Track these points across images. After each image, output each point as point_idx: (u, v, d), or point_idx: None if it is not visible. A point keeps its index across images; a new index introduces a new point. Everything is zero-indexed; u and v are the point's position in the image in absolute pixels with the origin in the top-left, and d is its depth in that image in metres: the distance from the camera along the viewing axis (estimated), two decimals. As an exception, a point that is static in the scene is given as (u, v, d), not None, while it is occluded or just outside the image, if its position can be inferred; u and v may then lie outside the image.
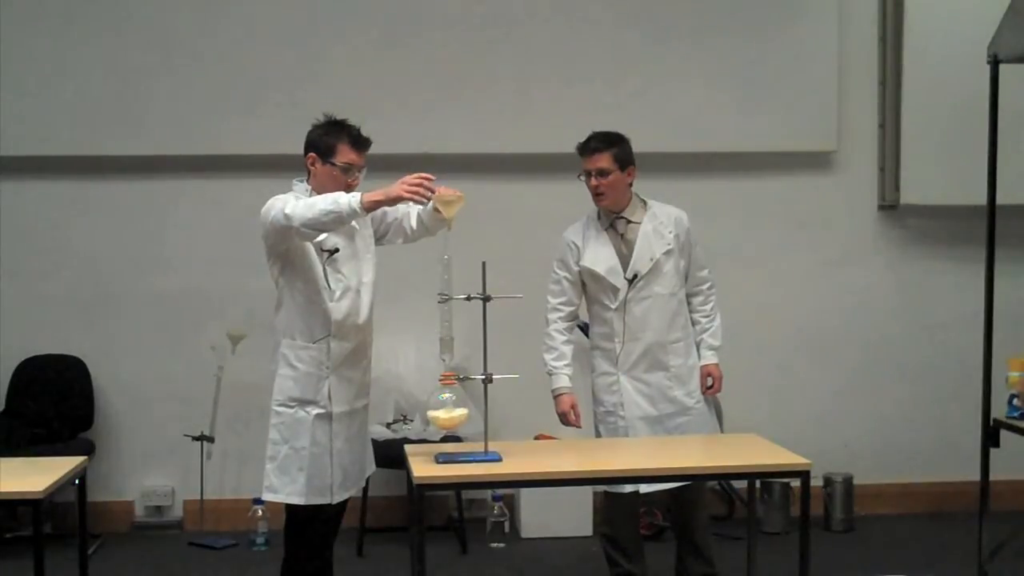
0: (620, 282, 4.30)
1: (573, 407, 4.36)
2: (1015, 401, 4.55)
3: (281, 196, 3.83)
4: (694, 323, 4.46)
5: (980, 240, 4.61)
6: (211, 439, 5.57)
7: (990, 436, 4.51)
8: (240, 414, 5.73)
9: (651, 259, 4.29)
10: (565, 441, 5.39)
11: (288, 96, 5.61)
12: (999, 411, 4.55)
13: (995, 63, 4.44)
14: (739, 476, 4.33)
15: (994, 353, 4.57)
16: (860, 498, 5.75)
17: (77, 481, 3.89)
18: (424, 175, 3.73)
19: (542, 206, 5.85)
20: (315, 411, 3.97)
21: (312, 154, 3.97)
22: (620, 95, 5.72)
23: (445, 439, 4.97)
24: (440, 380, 3.71)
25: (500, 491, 5.47)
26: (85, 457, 4.04)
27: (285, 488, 3.98)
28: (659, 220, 4.37)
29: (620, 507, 4.44)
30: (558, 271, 4.46)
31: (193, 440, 5.56)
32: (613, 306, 4.32)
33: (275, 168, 5.70)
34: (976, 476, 4.59)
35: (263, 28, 5.62)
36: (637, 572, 4.50)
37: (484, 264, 3.70)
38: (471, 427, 4.31)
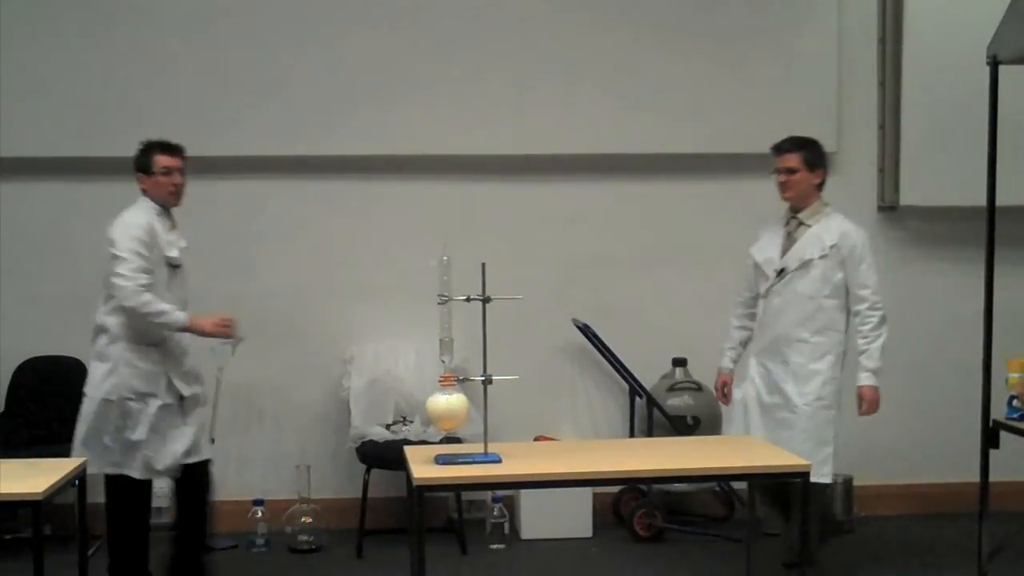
0: (771, 272, 4.66)
1: (724, 385, 4.85)
2: (1015, 402, 4.55)
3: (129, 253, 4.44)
4: (861, 353, 4.63)
5: (980, 241, 4.61)
6: (211, 440, 5.56)
7: (990, 437, 4.52)
8: (240, 416, 5.74)
9: (800, 259, 4.60)
10: (565, 442, 5.40)
11: (287, 97, 5.62)
12: (999, 412, 4.55)
13: (994, 64, 4.45)
14: (738, 477, 4.33)
15: (994, 354, 4.57)
16: (860, 499, 5.75)
17: (77, 482, 3.89)
18: (228, 319, 4.61)
19: (542, 206, 5.86)
20: (157, 402, 4.49)
21: (138, 174, 4.66)
22: (620, 95, 5.72)
23: (445, 440, 4.97)
24: (440, 381, 3.71)
25: (500, 492, 5.47)
26: (85, 458, 4.03)
27: (125, 465, 4.48)
28: (827, 229, 4.64)
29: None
30: (749, 253, 4.84)
31: (193, 441, 5.55)
32: (761, 293, 4.72)
33: (274, 168, 5.75)
34: (976, 477, 4.59)
35: (262, 29, 5.62)
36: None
37: (484, 265, 3.70)
38: (471, 428, 4.31)
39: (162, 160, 4.61)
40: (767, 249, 4.74)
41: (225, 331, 4.61)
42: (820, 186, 4.71)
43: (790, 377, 4.59)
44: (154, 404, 4.47)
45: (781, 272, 4.63)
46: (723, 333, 5.84)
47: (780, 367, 4.62)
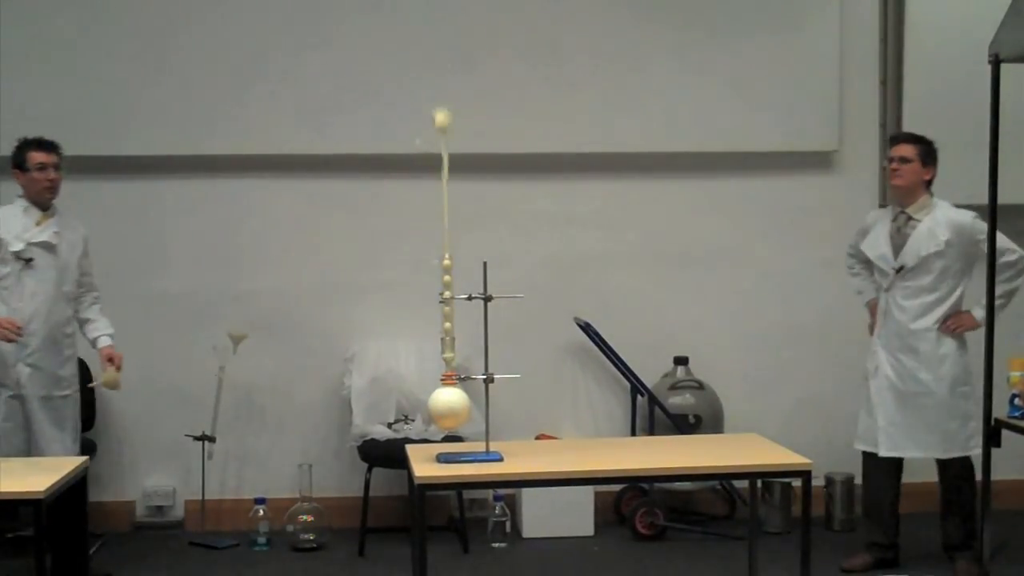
0: (888, 268, 4.85)
1: (873, 309, 5.05)
2: (1016, 401, 4.55)
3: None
4: None
5: (981, 240, 4.60)
6: (212, 439, 5.57)
7: (991, 436, 4.51)
8: (241, 414, 5.74)
9: (918, 256, 4.78)
10: (566, 441, 5.40)
11: (288, 96, 5.62)
12: (1000, 411, 4.54)
13: (996, 63, 4.44)
14: (740, 476, 4.33)
15: (995, 353, 4.56)
16: (861, 498, 5.74)
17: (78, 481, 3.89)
18: (12, 322, 4.57)
19: (542, 206, 5.85)
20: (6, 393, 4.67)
21: (15, 171, 4.82)
22: (621, 95, 5.72)
23: (446, 439, 4.97)
24: (441, 380, 3.71)
25: (501, 491, 5.47)
26: (86, 457, 4.04)
27: None
28: (937, 222, 4.80)
29: (875, 470, 5.00)
30: (857, 234, 5.11)
31: (194, 440, 5.56)
32: (884, 287, 4.91)
33: (275, 168, 5.75)
34: (978, 476, 4.59)
35: (263, 29, 5.62)
36: (882, 541, 5.00)
37: (485, 264, 3.70)
38: (472, 427, 4.32)
39: (36, 156, 4.77)
40: (879, 245, 4.91)
41: (4, 334, 4.55)
42: (929, 183, 4.86)
43: (923, 365, 4.81)
44: None
45: (900, 269, 4.82)
46: (724, 332, 5.89)
47: (910, 356, 4.82)
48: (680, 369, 5.73)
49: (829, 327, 5.91)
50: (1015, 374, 4.57)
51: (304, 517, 5.46)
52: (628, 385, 5.68)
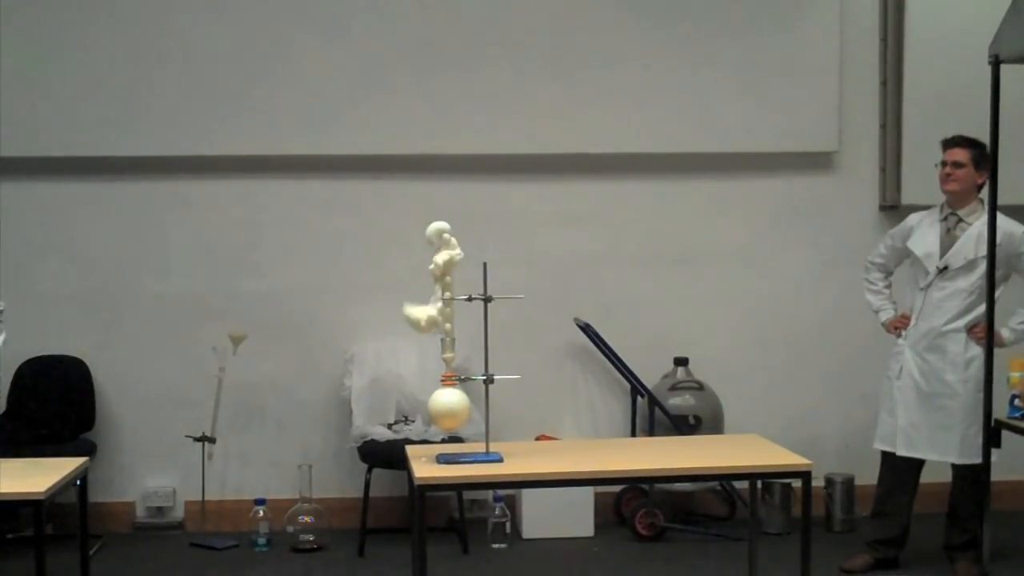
0: (932, 268, 4.80)
1: (895, 323, 4.98)
2: (1016, 401, 4.55)
3: None
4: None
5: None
6: (212, 440, 5.57)
7: (992, 436, 4.51)
8: (241, 415, 5.74)
9: (965, 258, 4.74)
10: (566, 441, 5.40)
11: (287, 97, 5.62)
12: (1000, 411, 4.55)
13: (996, 63, 4.44)
14: (740, 476, 4.33)
15: (995, 353, 4.57)
16: (861, 498, 5.73)
17: (79, 482, 3.90)
18: None
19: (542, 206, 5.85)
20: None
21: None
22: (621, 96, 5.72)
23: (446, 440, 4.97)
24: (441, 381, 3.70)
25: (501, 492, 5.47)
26: (86, 458, 4.04)
27: None
28: (987, 227, 4.66)
29: (891, 471, 4.95)
30: (891, 235, 5.07)
31: (194, 441, 5.56)
32: (920, 286, 4.86)
33: (275, 168, 5.75)
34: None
35: (263, 29, 5.61)
36: (889, 536, 4.97)
37: (485, 265, 3.70)
38: (472, 428, 4.32)
39: None
40: (926, 244, 4.87)
41: None
42: (981, 187, 4.80)
43: (949, 366, 4.76)
44: None
45: (944, 269, 4.77)
46: (724, 332, 5.89)
47: (938, 357, 4.79)
48: (680, 370, 5.73)
49: (829, 327, 5.91)
50: (1015, 374, 4.57)
51: (304, 518, 5.46)
52: (628, 386, 5.68)
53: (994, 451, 4.61)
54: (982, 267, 4.69)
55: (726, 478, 5.15)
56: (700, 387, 5.67)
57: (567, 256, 5.82)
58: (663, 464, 3.85)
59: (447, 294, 3.65)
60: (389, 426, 5.49)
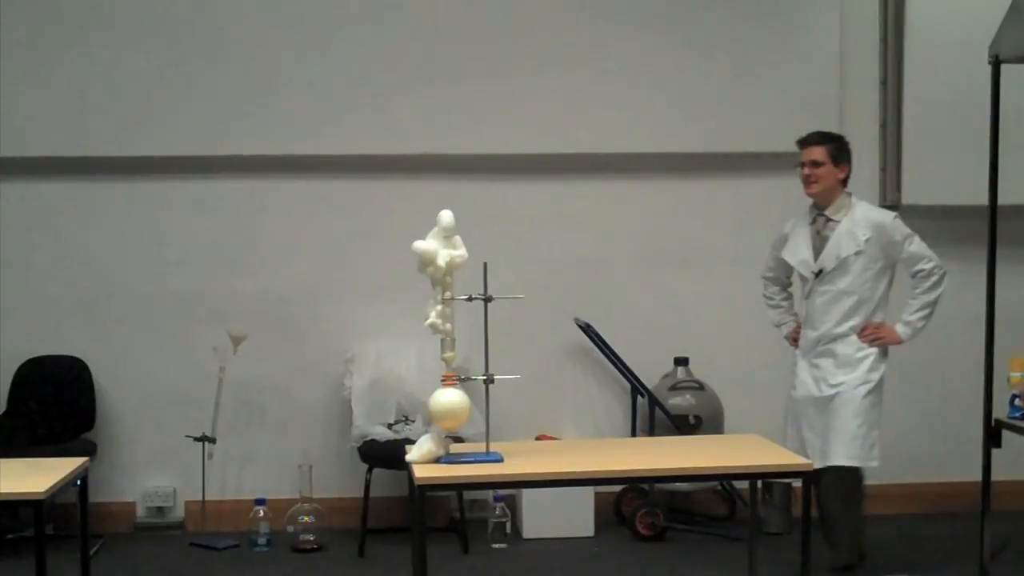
0: (808, 274, 4.70)
1: (795, 335, 4.88)
2: (1017, 401, 4.54)
3: None
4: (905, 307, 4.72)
5: (981, 240, 4.60)
6: (213, 440, 5.57)
7: (992, 436, 4.51)
8: (242, 415, 5.74)
9: (837, 257, 4.61)
10: (566, 441, 5.40)
11: (287, 97, 5.62)
12: (1001, 411, 4.54)
13: (996, 63, 4.44)
14: (740, 476, 4.33)
15: (996, 353, 4.56)
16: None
17: (79, 482, 3.89)
18: None
19: (542, 206, 5.85)
20: None
21: None
22: (621, 95, 5.72)
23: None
24: (441, 380, 3.70)
25: (502, 492, 5.47)
26: (87, 458, 4.03)
27: None
28: (856, 222, 4.64)
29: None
30: (773, 246, 4.93)
31: (195, 441, 5.56)
32: (804, 294, 4.79)
33: (275, 168, 5.76)
34: (978, 476, 4.59)
35: (263, 29, 5.62)
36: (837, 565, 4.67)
37: (485, 265, 3.70)
38: (472, 428, 4.31)
39: None
40: (799, 250, 4.76)
41: None
42: (845, 181, 4.71)
43: (839, 368, 4.65)
44: None
45: (819, 273, 4.67)
46: (724, 332, 5.88)
47: (829, 361, 4.67)
48: (680, 370, 5.73)
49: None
50: (1015, 374, 4.56)
51: (304, 518, 5.46)
52: (628, 386, 5.68)
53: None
54: (858, 263, 4.61)
55: (726, 478, 5.15)
56: (700, 387, 5.67)
57: (567, 256, 5.82)
58: (663, 464, 3.85)
59: (447, 294, 3.65)
60: (389, 426, 5.49)
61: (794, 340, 4.89)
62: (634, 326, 5.77)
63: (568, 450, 4.29)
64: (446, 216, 3.67)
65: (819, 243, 4.70)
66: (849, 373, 4.63)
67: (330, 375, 5.72)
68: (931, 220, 5.95)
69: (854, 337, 4.65)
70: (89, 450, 5.30)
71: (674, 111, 5.74)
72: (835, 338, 4.66)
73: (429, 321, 3.65)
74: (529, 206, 5.83)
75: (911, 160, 5.80)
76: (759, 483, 4.58)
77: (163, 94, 5.59)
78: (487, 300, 3.73)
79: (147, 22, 5.58)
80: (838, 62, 5.81)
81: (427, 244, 3.64)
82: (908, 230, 4.69)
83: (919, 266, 4.67)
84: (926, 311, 4.70)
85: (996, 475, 4.54)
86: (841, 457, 4.58)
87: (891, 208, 5.91)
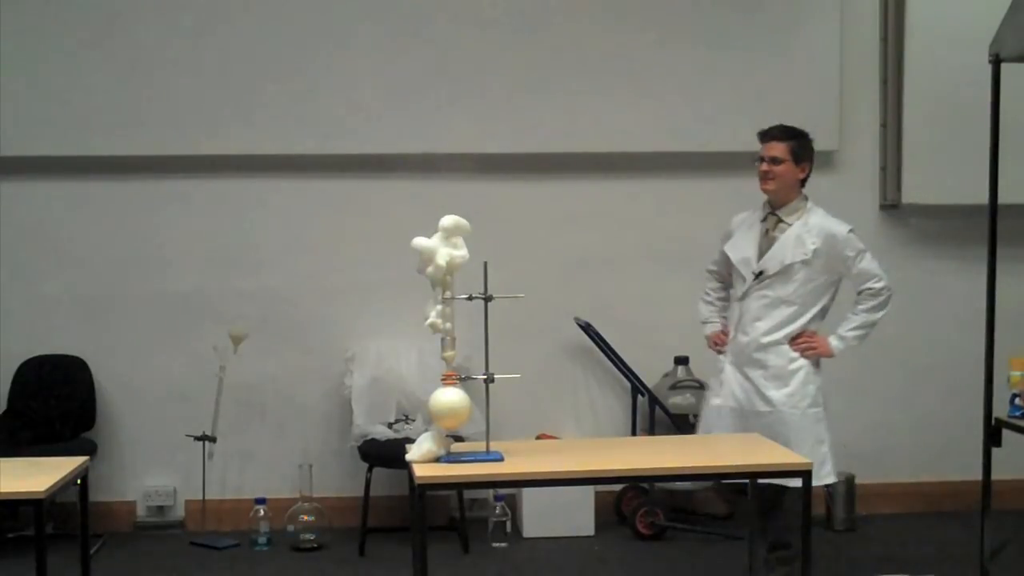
0: (748, 274, 4.40)
1: (716, 339, 4.59)
2: (1017, 400, 4.54)
3: None
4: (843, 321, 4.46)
5: (982, 239, 4.60)
6: (213, 439, 5.57)
7: (992, 436, 4.50)
8: (242, 414, 5.74)
9: (781, 263, 4.33)
10: (567, 441, 5.40)
11: (288, 96, 5.62)
12: (1001, 410, 4.54)
13: (997, 62, 4.44)
14: (740, 476, 4.32)
15: (996, 352, 4.56)
16: (862, 498, 5.75)
17: (79, 481, 3.89)
18: None
19: (542, 206, 5.85)
20: None
21: None
22: (620, 95, 5.72)
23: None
24: (442, 380, 3.70)
25: (502, 491, 5.47)
26: (87, 457, 4.03)
27: None
28: (808, 229, 4.36)
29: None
30: (722, 239, 4.63)
31: (195, 440, 5.56)
32: (738, 295, 4.46)
33: (275, 168, 5.76)
34: (978, 476, 4.59)
35: (263, 28, 5.62)
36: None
37: (485, 264, 3.70)
38: (472, 427, 4.31)
39: None
40: (743, 248, 4.47)
41: None
42: (804, 182, 4.44)
43: (771, 381, 4.37)
44: None
45: (760, 275, 4.38)
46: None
47: (759, 371, 4.39)
48: (680, 369, 5.73)
49: (829, 326, 5.90)
50: (1015, 374, 4.56)
51: (304, 517, 5.46)
52: (628, 385, 5.68)
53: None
54: (801, 273, 4.32)
55: (726, 478, 5.14)
56: (700, 386, 5.67)
57: (567, 256, 5.82)
58: (663, 463, 3.85)
59: (448, 293, 3.65)
60: (390, 425, 5.49)
61: (715, 344, 4.61)
62: (634, 325, 5.77)
63: (568, 449, 4.29)
64: (448, 219, 3.66)
65: (765, 244, 4.42)
66: (782, 387, 4.36)
67: (330, 374, 5.72)
68: (931, 220, 5.98)
69: (786, 347, 4.38)
70: (89, 449, 5.29)
71: (674, 112, 5.73)
72: (766, 347, 4.38)
73: (429, 321, 3.65)
74: (529, 206, 5.83)
75: (911, 160, 5.80)
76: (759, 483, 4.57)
77: (163, 94, 5.58)
78: (487, 299, 3.73)
79: (147, 22, 5.58)
80: (839, 61, 5.81)
81: (428, 241, 3.63)
82: (862, 245, 4.42)
83: (868, 284, 4.40)
84: (864, 331, 4.43)
85: (996, 474, 4.54)
86: (793, 480, 4.21)
87: (892, 207, 5.95)
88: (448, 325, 3.66)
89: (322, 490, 5.58)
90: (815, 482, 3.91)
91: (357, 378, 5.58)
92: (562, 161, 5.82)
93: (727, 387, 4.46)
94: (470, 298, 3.71)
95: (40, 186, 5.68)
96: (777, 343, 4.38)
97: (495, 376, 3.73)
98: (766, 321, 4.39)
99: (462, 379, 3.73)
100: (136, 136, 5.59)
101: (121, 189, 5.73)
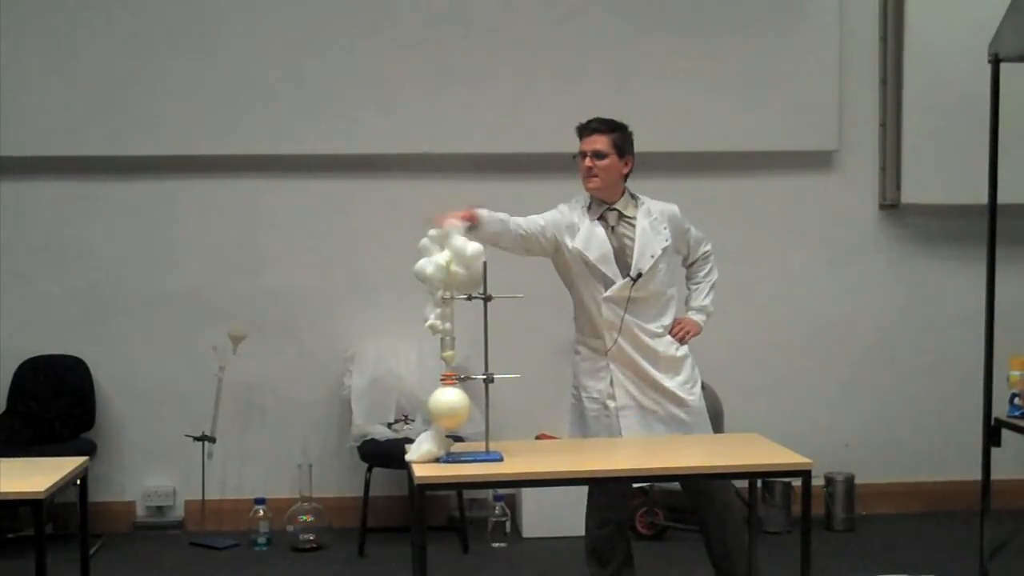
0: (613, 273, 4.15)
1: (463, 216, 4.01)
2: (1016, 400, 4.54)
3: None
4: (689, 295, 4.39)
5: (981, 239, 4.60)
6: (212, 439, 5.58)
7: (991, 435, 4.51)
8: (241, 414, 5.74)
9: (652, 256, 4.16)
10: (566, 441, 5.37)
11: (288, 96, 5.62)
12: (1000, 410, 4.54)
13: (996, 62, 4.44)
14: (740, 476, 4.32)
15: (995, 352, 4.56)
16: (861, 497, 5.75)
17: (78, 481, 3.89)
18: None
19: (542, 206, 5.80)
20: None
21: None
22: (620, 95, 5.70)
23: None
24: (441, 380, 3.70)
25: (501, 491, 5.47)
26: (86, 457, 4.03)
27: None
28: (653, 216, 4.24)
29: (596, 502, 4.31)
30: (543, 218, 4.32)
31: (194, 440, 5.56)
32: (603, 295, 4.18)
33: (275, 168, 5.76)
34: (977, 475, 4.59)
35: (264, 28, 5.62)
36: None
37: (485, 264, 3.70)
38: (472, 427, 4.31)
39: None
40: (595, 246, 4.18)
41: None
42: (627, 177, 4.25)
43: (665, 371, 4.22)
44: None
45: (638, 277, 4.14)
46: (723, 333, 5.85)
47: (650, 365, 4.20)
48: (680, 369, 5.72)
49: (828, 326, 5.91)
50: (1015, 374, 4.56)
51: (304, 517, 5.47)
52: (628, 385, 5.67)
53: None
54: (663, 260, 4.17)
55: (726, 477, 5.12)
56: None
57: (567, 255, 5.80)
58: (663, 463, 3.85)
59: (447, 293, 3.65)
60: (389, 425, 5.49)
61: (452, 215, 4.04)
62: (634, 325, 5.75)
63: (568, 449, 4.28)
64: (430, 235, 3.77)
65: (615, 241, 4.19)
66: (677, 377, 4.22)
67: (330, 374, 5.72)
68: (930, 220, 5.98)
69: (668, 336, 4.24)
70: (89, 449, 5.30)
71: (674, 111, 5.73)
72: (650, 337, 4.20)
73: (429, 323, 3.65)
74: (529, 206, 5.79)
75: (911, 159, 5.80)
76: (759, 482, 4.58)
77: (163, 94, 5.58)
78: (487, 299, 3.73)
79: (147, 22, 5.58)
80: (838, 61, 5.81)
81: (419, 264, 3.69)
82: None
83: (703, 248, 4.36)
84: (714, 293, 4.36)
85: (996, 474, 4.54)
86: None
87: (891, 207, 5.95)
88: (447, 325, 3.66)
89: (322, 490, 5.58)
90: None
91: (356, 378, 5.59)
92: (562, 161, 5.80)
93: (620, 390, 4.22)
94: (469, 298, 3.71)
95: (40, 186, 5.68)
96: (659, 334, 4.23)
97: (494, 376, 3.73)
98: (646, 314, 4.20)
99: (461, 379, 3.74)
100: (136, 136, 5.60)
101: (121, 189, 5.73)
